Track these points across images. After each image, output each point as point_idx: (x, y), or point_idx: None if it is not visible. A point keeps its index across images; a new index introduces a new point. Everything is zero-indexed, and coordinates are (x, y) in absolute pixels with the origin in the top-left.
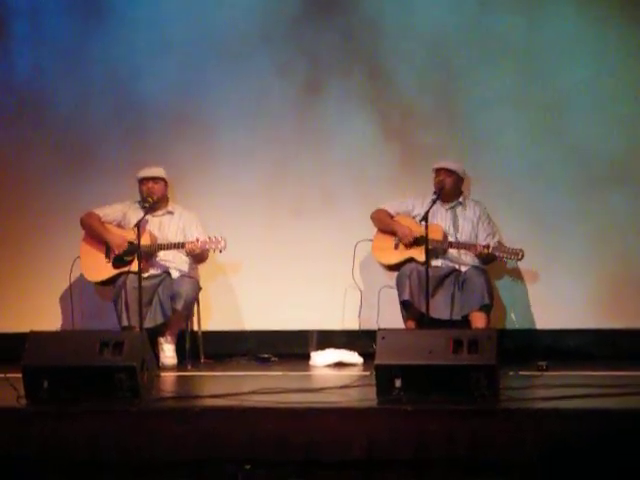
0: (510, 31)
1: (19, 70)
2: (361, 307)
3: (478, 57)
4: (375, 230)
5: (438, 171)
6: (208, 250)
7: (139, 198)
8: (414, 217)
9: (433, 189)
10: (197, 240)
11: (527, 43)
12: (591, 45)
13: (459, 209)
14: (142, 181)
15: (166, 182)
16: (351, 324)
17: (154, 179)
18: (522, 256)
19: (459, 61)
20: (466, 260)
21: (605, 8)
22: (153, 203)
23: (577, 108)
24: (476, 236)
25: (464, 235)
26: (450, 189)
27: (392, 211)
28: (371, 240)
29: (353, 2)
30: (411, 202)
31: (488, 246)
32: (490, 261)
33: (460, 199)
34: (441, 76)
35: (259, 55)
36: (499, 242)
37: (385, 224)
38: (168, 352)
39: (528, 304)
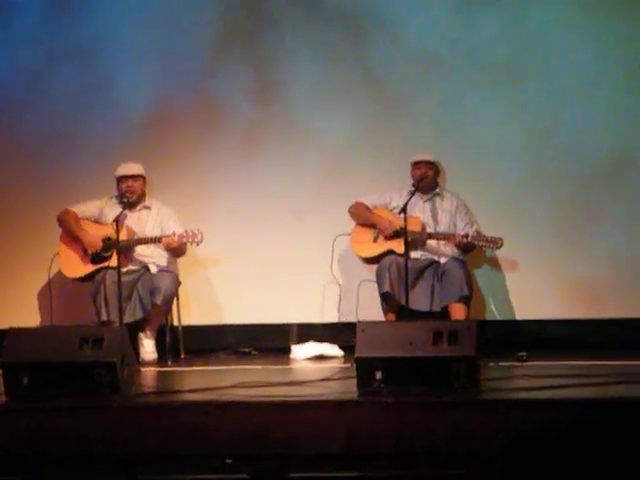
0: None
1: None
2: (340, 301)
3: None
4: (353, 224)
5: (418, 164)
6: (186, 244)
7: (116, 193)
8: (392, 209)
9: (411, 182)
10: (174, 234)
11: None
12: (584, 46)
13: (437, 200)
14: (121, 179)
15: (144, 178)
16: (331, 317)
17: (133, 177)
18: (501, 244)
19: (445, 60)
20: (445, 251)
21: (602, 9)
22: (132, 201)
23: (565, 106)
24: (455, 226)
25: (442, 226)
26: (431, 181)
27: (370, 204)
28: (350, 234)
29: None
30: (389, 195)
31: (467, 235)
32: (470, 250)
33: (437, 190)
34: (429, 75)
35: (234, 51)
36: (477, 231)
37: (364, 217)
38: (148, 347)
39: (508, 295)
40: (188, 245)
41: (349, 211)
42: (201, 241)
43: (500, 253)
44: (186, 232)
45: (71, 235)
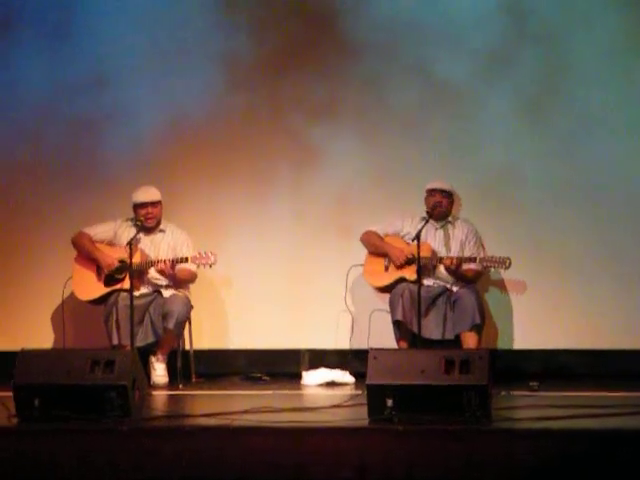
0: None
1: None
2: (353, 329)
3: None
4: (365, 252)
5: (432, 191)
6: (191, 275)
7: (131, 216)
8: (403, 236)
9: (423, 208)
10: (185, 259)
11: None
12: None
13: (449, 228)
14: (140, 205)
15: (161, 203)
16: (343, 345)
17: (153, 203)
18: (509, 264)
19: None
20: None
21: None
22: (150, 227)
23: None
24: (463, 255)
25: (453, 254)
26: (445, 210)
27: (381, 232)
28: (363, 265)
29: (336, 23)
30: (400, 222)
31: (452, 259)
32: (461, 277)
33: (449, 218)
34: (437, 93)
35: (244, 74)
36: (484, 254)
37: (376, 247)
38: (159, 371)
39: (520, 324)
40: (201, 267)
41: (361, 239)
42: (214, 263)
43: (512, 284)
44: (199, 254)
45: (86, 256)
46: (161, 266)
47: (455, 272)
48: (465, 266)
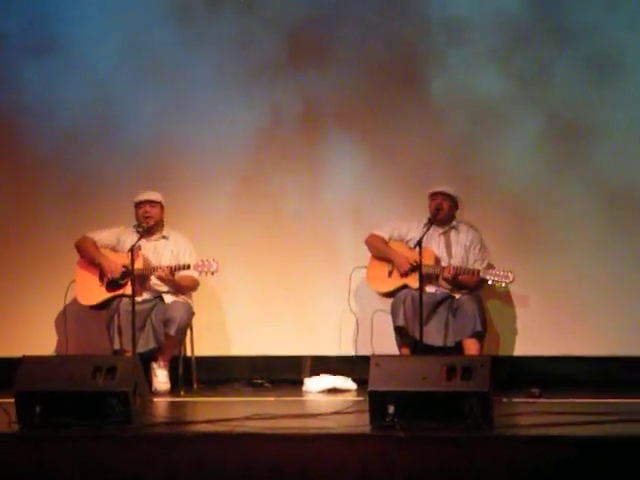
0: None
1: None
2: (357, 333)
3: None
4: (369, 254)
5: (434, 195)
6: (193, 283)
7: (135, 222)
8: (408, 241)
9: (427, 213)
10: (187, 266)
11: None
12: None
13: (452, 233)
14: (139, 204)
15: (162, 207)
16: (347, 349)
17: (151, 202)
18: (513, 279)
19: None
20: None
21: None
22: (148, 228)
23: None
24: (467, 261)
25: (457, 260)
26: (446, 214)
27: (386, 236)
28: (366, 267)
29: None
30: (406, 226)
31: (450, 269)
32: (460, 286)
33: (453, 223)
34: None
35: (253, 85)
36: (488, 265)
37: (380, 251)
38: (161, 377)
39: (522, 330)
40: (203, 275)
41: (365, 242)
42: (216, 271)
43: (514, 290)
44: (202, 262)
45: (89, 261)
46: (159, 273)
47: (453, 282)
48: (464, 276)
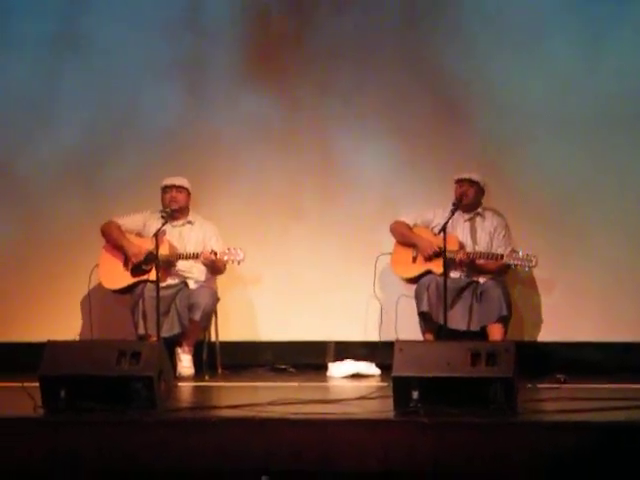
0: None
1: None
2: (382, 319)
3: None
4: (394, 241)
5: (460, 182)
6: (225, 262)
7: (160, 207)
8: (433, 228)
9: (453, 200)
10: (215, 253)
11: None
12: None
13: (478, 220)
14: (165, 189)
15: (189, 192)
16: (371, 335)
17: (177, 188)
18: (536, 262)
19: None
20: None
21: None
22: (172, 212)
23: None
24: (491, 247)
25: (481, 246)
26: (471, 200)
27: (411, 222)
28: (391, 253)
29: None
30: (431, 212)
31: (468, 254)
32: (481, 271)
33: (479, 209)
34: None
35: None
36: (512, 251)
37: (404, 237)
38: (185, 362)
39: (547, 316)
40: (229, 263)
41: (390, 229)
42: (242, 260)
43: (540, 275)
44: (228, 249)
45: (114, 245)
46: (205, 255)
47: (470, 266)
48: (482, 261)
